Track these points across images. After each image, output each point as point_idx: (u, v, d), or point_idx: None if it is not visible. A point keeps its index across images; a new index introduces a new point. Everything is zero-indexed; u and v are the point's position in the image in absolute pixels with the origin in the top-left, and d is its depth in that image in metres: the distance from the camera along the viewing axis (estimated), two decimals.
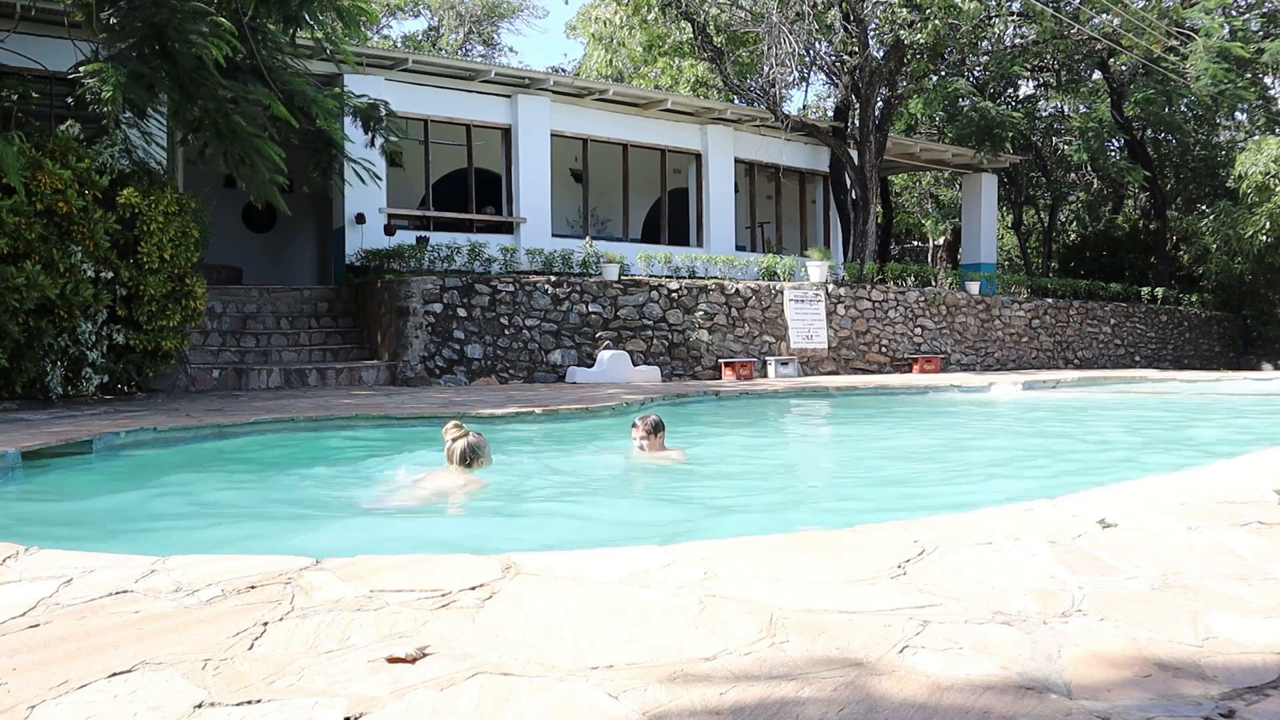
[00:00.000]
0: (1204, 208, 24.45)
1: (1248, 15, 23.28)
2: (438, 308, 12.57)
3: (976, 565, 2.39)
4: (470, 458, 4.81)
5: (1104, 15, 20.31)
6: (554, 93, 16.64)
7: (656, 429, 5.88)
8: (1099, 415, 9.78)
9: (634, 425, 5.98)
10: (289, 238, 17.94)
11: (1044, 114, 26.52)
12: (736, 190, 19.15)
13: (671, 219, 18.34)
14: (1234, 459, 4.37)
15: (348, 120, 11.74)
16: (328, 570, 2.39)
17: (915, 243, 34.51)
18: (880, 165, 18.92)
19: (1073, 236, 30.73)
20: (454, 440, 4.86)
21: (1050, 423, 9.25)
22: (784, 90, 18.20)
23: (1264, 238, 19.92)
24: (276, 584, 2.27)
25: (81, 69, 8.21)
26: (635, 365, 13.48)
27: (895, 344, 16.64)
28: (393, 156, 11.84)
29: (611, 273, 14.19)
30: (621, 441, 6.48)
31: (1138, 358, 20.90)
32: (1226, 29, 20.07)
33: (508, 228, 16.25)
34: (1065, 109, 26.37)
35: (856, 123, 19.01)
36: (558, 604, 2.10)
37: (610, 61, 24.45)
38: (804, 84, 25.96)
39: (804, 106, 26.86)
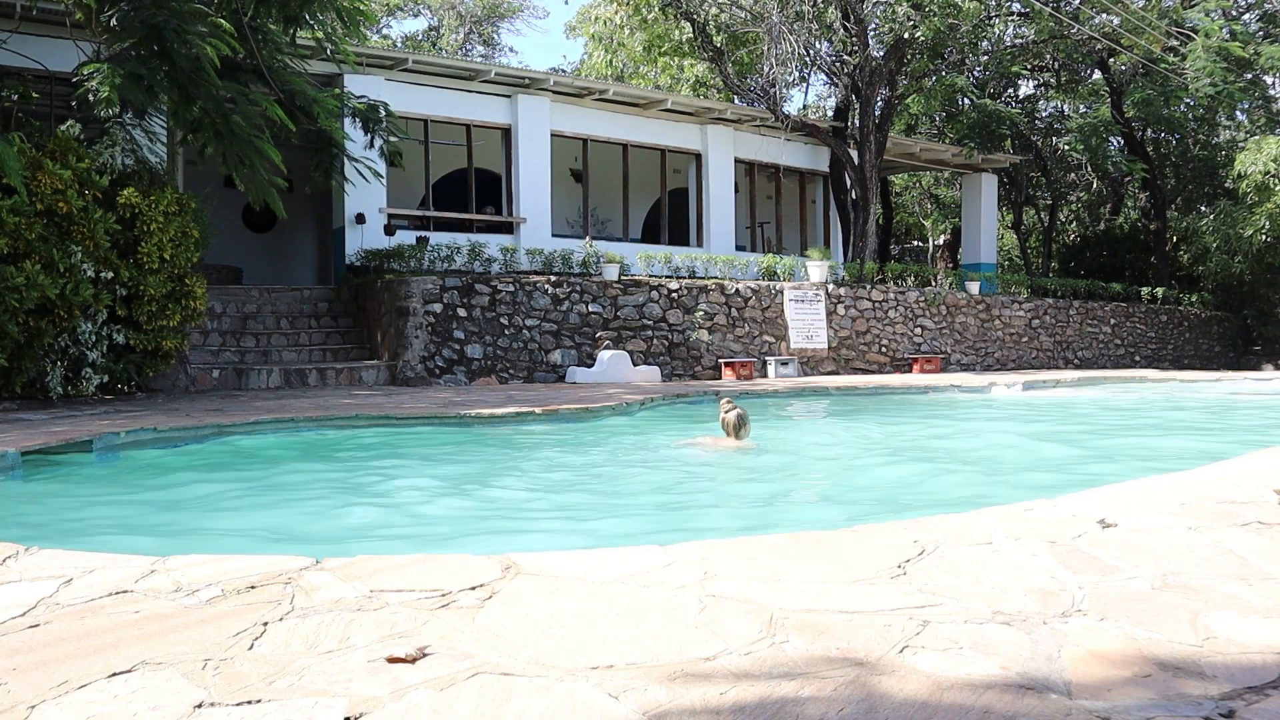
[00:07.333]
0: (1204, 208, 24.45)
1: (1247, 15, 23.28)
2: (438, 308, 12.57)
3: (976, 565, 2.39)
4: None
5: (1104, 15, 20.30)
6: (554, 93, 16.64)
7: (742, 420, 6.51)
8: (1099, 415, 9.78)
9: (723, 412, 6.59)
10: (289, 238, 17.95)
11: (1044, 114, 26.51)
12: (736, 190, 19.14)
13: (671, 219, 18.34)
14: (1234, 459, 4.36)
15: (348, 120, 11.75)
16: (328, 570, 2.39)
17: (915, 243, 34.51)
18: (880, 165, 18.91)
19: (1073, 236, 30.72)
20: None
21: (1050, 422, 9.24)
22: (784, 90, 18.19)
23: (1264, 237, 19.92)
24: (276, 584, 2.27)
25: (82, 69, 8.22)
26: (635, 365, 13.47)
27: (895, 344, 16.64)
28: (392, 157, 11.84)
29: (611, 273, 14.19)
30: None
31: (1138, 358, 20.90)
32: (1226, 30, 20.07)
33: (508, 228, 16.25)
34: (1065, 109, 26.36)
35: (856, 123, 19.00)
36: (558, 604, 2.10)
37: (610, 61, 24.45)
38: (804, 84, 25.97)
39: (804, 106, 26.85)
